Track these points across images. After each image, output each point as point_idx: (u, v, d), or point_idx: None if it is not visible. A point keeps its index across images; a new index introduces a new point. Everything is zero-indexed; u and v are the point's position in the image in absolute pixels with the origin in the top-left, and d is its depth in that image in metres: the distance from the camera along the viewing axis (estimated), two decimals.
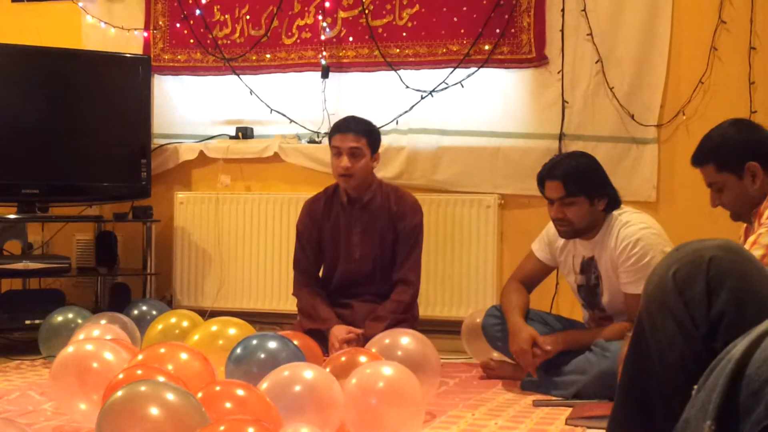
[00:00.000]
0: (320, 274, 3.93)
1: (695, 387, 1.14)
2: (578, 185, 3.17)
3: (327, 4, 4.52)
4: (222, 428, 1.80)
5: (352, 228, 3.78)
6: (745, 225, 2.76)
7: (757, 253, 2.39)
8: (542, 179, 3.26)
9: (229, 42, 4.76)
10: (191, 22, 4.80)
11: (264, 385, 2.38)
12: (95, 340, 2.99)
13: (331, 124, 4.51)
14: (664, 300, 1.47)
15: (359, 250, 3.77)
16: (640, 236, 3.13)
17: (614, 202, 3.26)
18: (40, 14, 5.01)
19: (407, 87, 4.42)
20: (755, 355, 1.04)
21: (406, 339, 2.92)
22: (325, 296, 3.78)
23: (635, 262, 3.13)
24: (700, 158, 2.79)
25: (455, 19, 4.35)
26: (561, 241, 3.40)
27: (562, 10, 4.17)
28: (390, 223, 3.75)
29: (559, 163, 3.27)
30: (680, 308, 1.44)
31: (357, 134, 3.70)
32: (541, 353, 3.21)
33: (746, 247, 2.45)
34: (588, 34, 4.14)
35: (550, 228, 3.43)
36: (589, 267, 3.32)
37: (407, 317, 3.66)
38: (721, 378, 1.07)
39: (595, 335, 3.23)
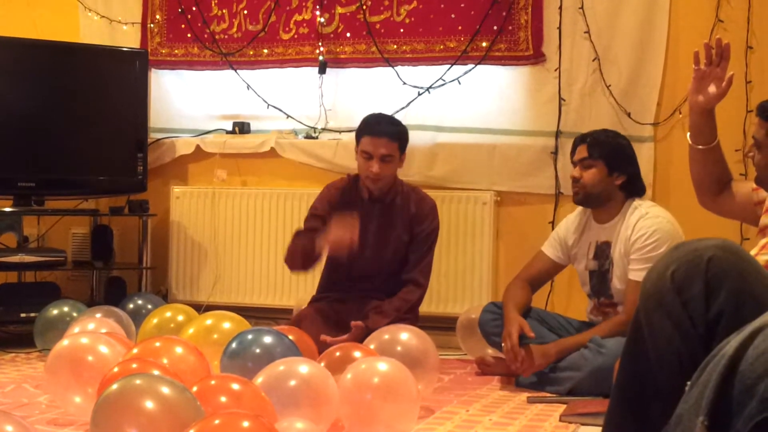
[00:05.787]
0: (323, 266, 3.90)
1: (688, 383, 1.15)
2: (600, 151, 3.32)
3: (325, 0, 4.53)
4: (217, 422, 1.80)
5: (368, 225, 3.69)
6: (766, 199, 2.69)
7: None
8: (576, 143, 3.44)
9: (226, 37, 4.76)
10: (189, 16, 4.80)
11: (259, 379, 2.39)
12: (90, 333, 3.00)
13: (328, 120, 4.53)
14: (662, 299, 1.46)
15: (371, 248, 3.71)
16: (657, 227, 3.21)
17: (635, 186, 3.37)
18: (37, 7, 5.00)
19: (404, 83, 4.42)
20: (748, 352, 1.04)
21: (405, 335, 2.92)
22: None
23: (648, 251, 3.18)
24: (764, 110, 2.57)
25: (453, 15, 4.35)
26: (575, 237, 3.46)
27: (560, 7, 4.17)
28: (407, 226, 3.71)
29: (594, 132, 3.47)
30: (678, 308, 1.44)
31: (390, 140, 3.61)
32: (532, 363, 3.21)
33: (765, 241, 2.43)
34: (585, 32, 4.14)
35: (560, 227, 3.54)
36: (603, 252, 3.37)
37: (410, 317, 3.64)
38: (714, 374, 1.07)
39: (589, 336, 3.23)
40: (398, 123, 3.76)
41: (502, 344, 3.28)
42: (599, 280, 3.39)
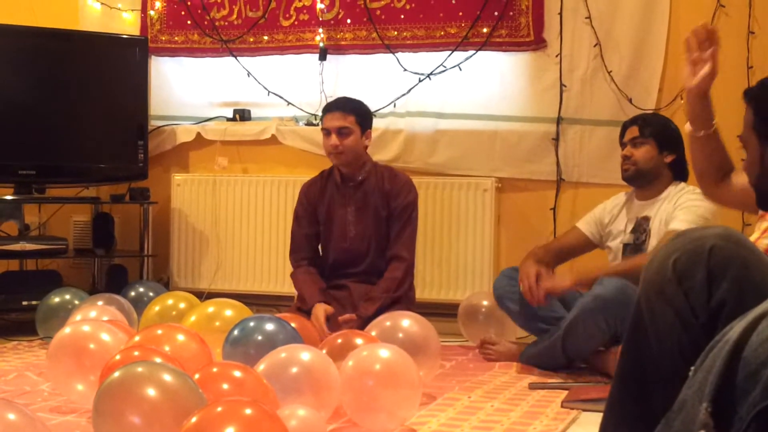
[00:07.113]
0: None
1: (692, 369, 1.14)
2: (651, 130, 3.44)
3: None
4: (219, 409, 1.80)
5: (346, 207, 3.79)
6: None
7: None
8: (625, 126, 3.54)
9: (226, 23, 4.74)
10: (188, 3, 4.78)
11: (261, 366, 2.39)
12: (92, 321, 3.00)
13: None
14: (663, 288, 1.46)
15: (354, 228, 3.77)
16: (703, 199, 3.24)
17: (682, 167, 3.45)
18: None
19: (405, 70, 4.41)
20: (752, 338, 1.04)
21: (407, 321, 2.93)
22: (315, 274, 3.79)
23: (692, 206, 3.26)
24: (750, 95, 2.31)
25: (453, 1, 4.33)
26: (612, 215, 3.54)
27: None
28: (384, 202, 3.76)
29: (643, 114, 3.70)
30: (679, 297, 1.44)
31: (344, 112, 3.71)
32: (552, 286, 3.30)
33: (766, 225, 2.42)
34: (586, 17, 4.13)
35: (598, 208, 3.62)
36: (641, 226, 3.44)
37: (401, 295, 3.65)
38: (718, 360, 1.07)
39: (605, 272, 3.31)
40: (354, 100, 3.83)
41: (519, 284, 3.36)
42: (633, 253, 3.44)
